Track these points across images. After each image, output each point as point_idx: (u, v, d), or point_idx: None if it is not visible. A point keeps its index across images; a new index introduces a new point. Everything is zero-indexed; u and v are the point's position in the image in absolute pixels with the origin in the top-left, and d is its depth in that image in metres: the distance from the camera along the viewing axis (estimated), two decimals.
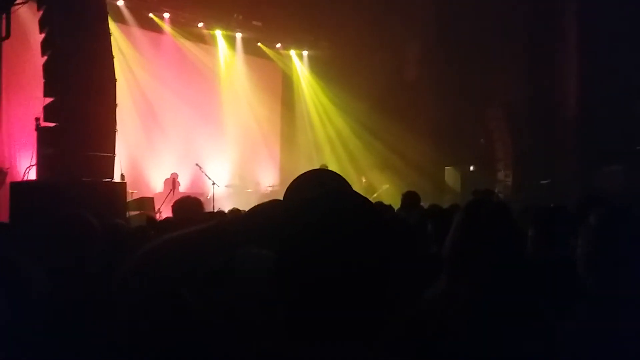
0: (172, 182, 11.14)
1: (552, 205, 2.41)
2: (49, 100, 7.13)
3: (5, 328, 1.49)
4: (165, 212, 9.18)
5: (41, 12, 7.47)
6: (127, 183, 8.32)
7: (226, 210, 6.03)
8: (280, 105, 14.95)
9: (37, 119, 7.11)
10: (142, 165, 11.66)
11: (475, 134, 12.89)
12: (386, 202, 5.81)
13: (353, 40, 12.78)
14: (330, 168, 12.32)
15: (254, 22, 13.13)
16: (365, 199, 0.95)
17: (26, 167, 7.81)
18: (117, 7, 11.22)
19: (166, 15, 12.14)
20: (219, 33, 13.23)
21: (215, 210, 8.29)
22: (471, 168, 12.90)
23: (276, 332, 0.87)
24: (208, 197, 11.04)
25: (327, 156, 14.10)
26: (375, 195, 12.15)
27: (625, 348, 1.32)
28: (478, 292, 1.41)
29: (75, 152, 7.00)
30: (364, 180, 13.35)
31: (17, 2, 7.50)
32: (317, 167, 11.96)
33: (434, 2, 12.37)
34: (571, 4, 11.22)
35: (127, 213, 7.92)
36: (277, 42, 14.23)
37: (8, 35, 7.31)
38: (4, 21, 7.22)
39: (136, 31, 11.81)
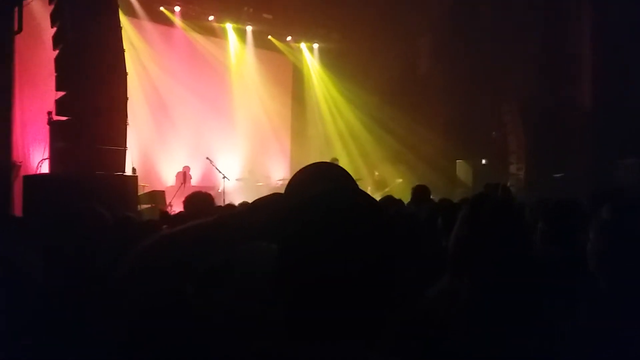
0: (183, 175, 11.19)
1: (563, 199, 2.35)
2: (60, 94, 7.18)
3: (7, 323, 1.50)
4: (176, 205, 9.22)
5: (52, 7, 7.52)
6: (139, 176, 8.37)
7: (236, 204, 6.04)
8: (291, 99, 14.92)
9: (49, 113, 7.17)
10: (153, 158, 11.71)
11: (488, 127, 12.77)
12: (399, 196, 5.78)
13: (364, 33, 12.69)
14: (341, 161, 12.29)
15: (265, 15, 13.09)
16: (368, 195, 0.93)
17: (39, 160, 7.88)
18: (129, 1, 11.25)
19: (177, 8, 12.15)
20: (229, 26, 13.22)
21: (225, 204, 8.30)
22: (483, 161, 12.80)
23: (276, 331, 0.85)
24: (219, 191, 11.07)
25: (337, 150, 14.06)
26: (387, 189, 12.10)
27: (636, 346, 1.30)
28: (480, 290, 1.38)
29: (87, 145, 7.05)
30: (376, 174, 13.30)
31: None
32: (327, 160, 11.93)
33: None
34: None
35: (139, 206, 7.97)
36: (288, 35, 14.18)
37: (20, 29, 7.37)
38: (16, 15, 7.27)
39: (147, 25, 11.84)
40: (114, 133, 7.39)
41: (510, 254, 1.39)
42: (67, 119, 7.15)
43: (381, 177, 13.22)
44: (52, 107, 7.22)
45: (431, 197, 5.74)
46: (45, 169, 7.61)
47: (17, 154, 9.34)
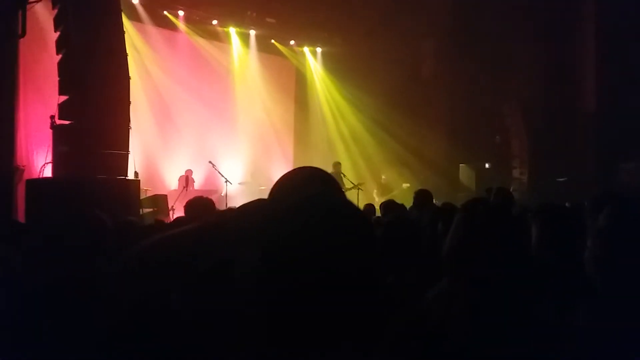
0: (186, 179, 11.20)
1: (554, 203, 2.33)
2: (63, 98, 7.21)
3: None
4: (178, 209, 9.23)
5: (56, 11, 7.55)
6: (141, 180, 8.38)
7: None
8: (294, 102, 14.93)
9: (52, 117, 7.19)
10: (156, 162, 11.74)
11: (491, 131, 12.75)
12: (405, 201, 5.79)
13: (367, 37, 12.69)
14: (343, 165, 12.31)
15: (268, 19, 13.12)
16: (350, 202, 0.93)
17: (42, 164, 7.91)
18: (133, 5, 11.30)
19: (181, 13, 12.20)
20: (232, 30, 13.26)
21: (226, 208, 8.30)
22: (487, 165, 12.77)
23: (262, 337, 0.85)
24: (222, 195, 11.08)
25: (340, 153, 14.05)
26: (393, 194, 12.04)
27: (631, 349, 1.28)
28: (476, 293, 1.38)
29: (90, 149, 7.06)
30: (383, 178, 13.28)
31: (31, 0, 7.58)
32: (330, 164, 11.95)
33: None
34: (588, 1, 11.03)
35: (141, 210, 7.97)
36: (291, 39, 14.21)
37: (24, 34, 7.40)
38: (19, 19, 7.30)
39: (151, 29, 11.89)
40: (116, 137, 7.41)
41: (503, 258, 1.38)
42: (69, 123, 7.17)
43: (388, 182, 13.19)
44: (55, 111, 7.25)
45: (434, 201, 5.74)
46: (48, 172, 7.63)
47: (20, 158, 9.38)
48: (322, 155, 14.00)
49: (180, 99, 12.19)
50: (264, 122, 13.74)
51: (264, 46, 13.84)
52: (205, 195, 4.07)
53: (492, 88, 11.78)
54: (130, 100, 7.66)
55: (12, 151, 7.62)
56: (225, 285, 1.10)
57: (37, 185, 7.34)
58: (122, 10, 8.04)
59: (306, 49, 14.69)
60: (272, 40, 13.97)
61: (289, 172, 1.13)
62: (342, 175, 11.61)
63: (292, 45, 14.41)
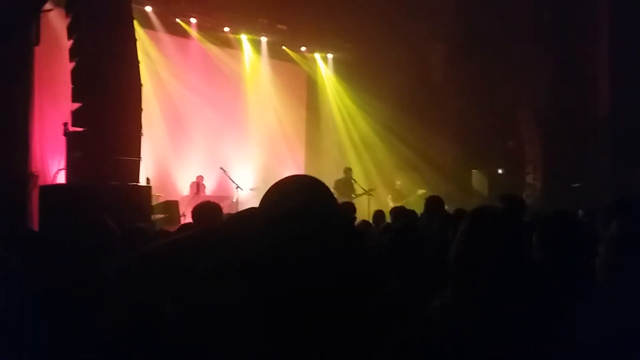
0: (197, 185, 11.25)
1: (557, 210, 2.28)
2: (76, 105, 7.29)
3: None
4: (189, 215, 9.25)
5: (69, 19, 7.65)
6: (153, 187, 8.43)
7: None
8: (305, 109, 14.96)
9: (65, 124, 7.27)
10: (168, 168, 11.80)
11: (504, 136, 12.66)
12: (419, 207, 5.75)
13: (378, 43, 12.69)
14: (355, 171, 12.29)
15: (279, 26, 13.19)
16: (340, 213, 0.93)
17: (55, 171, 7.99)
18: (145, 13, 11.41)
19: (193, 20, 12.30)
20: (244, 37, 13.34)
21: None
22: (500, 171, 12.67)
23: (256, 344, 0.84)
24: (233, 200, 11.11)
25: (352, 159, 14.03)
26: (406, 200, 11.96)
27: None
28: (481, 301, 1.36)
29: (102, 156, 7.12)
30: (398, 183, 13.22)
31: (44, 9, 7.68)
32: (341, 170, 11.94)
33: (460, 2, 12.20)
34: (601, 4, 10.93)
35: (153, 216, 8.02)
36: (302, 46, 14.25)
37: (38, 42, 7.50)
38: (34, 28, 7.41)
39: (163, 36, 12.00)
40: (128, 144, 7.46)
41: (508, 265, 1.36)
42: (82, 130, 7.24)
43: (402, 188, 13.13)
44: (69, 118, 7.33)
45: (446, 207, 5.71)
46: (61, 179, 7.71)
47: (35, 165, 9.49)
48: (333, 161, 14.00)
49: (192, 105, 12.27)
50: (275, 128, 13.77)
51: (275, 53, 13.90)
52: (213, 201, 4.08)
53: (504, 93, 11.69)
54: (143, 107, 7.72)
55: (27, 158, 7.71)
56: (224, 287, 1.09)
57: (51, 191, 7.41)
58: (134, 18, 8.12)
59: (317, 55, 14.72)
60: (283, 47, 14.02)
61: (279, 181, 1.12)
62: (353, 181, 11.59)
63: (303, 52, 14.45)
